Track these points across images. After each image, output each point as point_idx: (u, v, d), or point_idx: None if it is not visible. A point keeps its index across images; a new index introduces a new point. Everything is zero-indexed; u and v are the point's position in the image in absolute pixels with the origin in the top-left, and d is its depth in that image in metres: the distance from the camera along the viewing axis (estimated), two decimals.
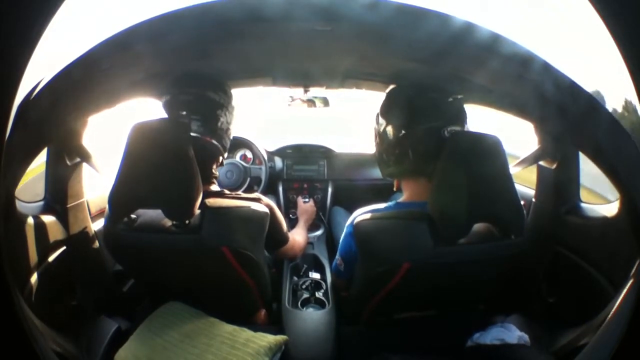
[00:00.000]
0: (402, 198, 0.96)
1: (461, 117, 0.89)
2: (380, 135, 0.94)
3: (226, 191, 0.93)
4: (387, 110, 0.93)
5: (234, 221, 0.84)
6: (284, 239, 1.09)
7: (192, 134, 0.88)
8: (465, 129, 0.88)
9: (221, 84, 0.95)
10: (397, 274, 0.77)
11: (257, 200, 0.93)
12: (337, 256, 1.04)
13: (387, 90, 0.99)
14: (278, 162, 1.79)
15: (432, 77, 0.97)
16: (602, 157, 0.71)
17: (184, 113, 0.89)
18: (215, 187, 0.97)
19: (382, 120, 0.94)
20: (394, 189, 1.02)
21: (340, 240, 1.02)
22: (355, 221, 0.85)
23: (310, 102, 1.63)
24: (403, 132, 0.88)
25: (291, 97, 1.64)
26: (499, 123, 1.03)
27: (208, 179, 0.94)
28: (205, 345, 0.79)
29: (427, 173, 0.87)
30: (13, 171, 0.68)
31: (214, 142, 0.93)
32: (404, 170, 0.92)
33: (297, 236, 1.26)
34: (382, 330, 0.92)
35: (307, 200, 1.68)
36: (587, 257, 0.90)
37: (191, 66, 0.97)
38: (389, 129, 0.91)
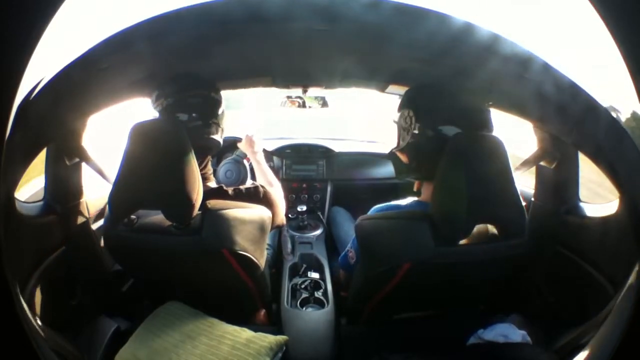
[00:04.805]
0: (422, 197, 0.91)
1: (492, 124, 0.85)
2: (412, 135, 0.84)
3: (224, 187, 0.94)
4: (426, 109, 0.83)
5: (235, 223, 0.84)
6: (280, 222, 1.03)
7: (193, 132, 0.88)
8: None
9: (215, 83, 0.96)
10: (397, 273, 0.77)
11: (256, 190, 0.94)
12: (349, 247, 1.00)
13: (418, 87, 0.91)
14: (277, 162, 1.79)
15: (432, 77, 0.97)
16: (602, 157, 0.71)
17: (186, 116, 0.89)
18: (213, 184, 0.98)
19: (415, 119, 0.83)
20: (414, 189, 0.95)
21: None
22: (357, 221, 0.84)
23: (302, 104, 1.60)
24: (443, 133, 0.80)
25: (287, 96, 1.62)
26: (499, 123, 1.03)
27: (207, 176, 0.96)
28: (206, 346, 0.79)
29: None
30: (13, 171, 0.68)
31: (213, 137, 0.93)
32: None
33: (272, 189, 1.01)
34: (382, 330, 0.92)
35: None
36: (587, 257, 0.90)
37: (191, 66, 0.97)
38: (424, 129, 0.82)
